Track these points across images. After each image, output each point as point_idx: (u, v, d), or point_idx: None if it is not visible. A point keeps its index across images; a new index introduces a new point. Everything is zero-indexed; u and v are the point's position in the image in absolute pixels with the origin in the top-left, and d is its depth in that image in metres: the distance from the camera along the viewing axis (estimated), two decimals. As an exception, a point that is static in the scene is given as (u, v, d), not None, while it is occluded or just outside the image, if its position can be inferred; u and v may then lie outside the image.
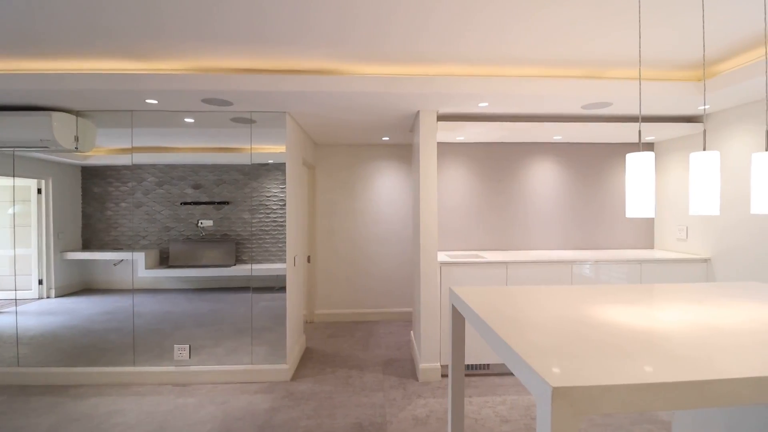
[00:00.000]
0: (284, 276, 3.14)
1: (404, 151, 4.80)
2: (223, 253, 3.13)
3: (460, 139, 3.75)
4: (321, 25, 2.04)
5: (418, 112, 3.15)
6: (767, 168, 1.58)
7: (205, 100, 2.76)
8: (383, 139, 4.39)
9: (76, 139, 2.99)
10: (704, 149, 1.54)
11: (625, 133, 3.50)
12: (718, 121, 3.21)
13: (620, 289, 1.92)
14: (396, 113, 3.22)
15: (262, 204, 3.14)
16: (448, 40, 2.22)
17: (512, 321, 1.39)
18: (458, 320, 1.92)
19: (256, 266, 3.12)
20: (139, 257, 3.09)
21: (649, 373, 0.96)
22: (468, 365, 3.20)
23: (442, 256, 3.40)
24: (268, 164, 3.12)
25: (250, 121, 3.08)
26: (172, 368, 3.05)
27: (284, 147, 3.11)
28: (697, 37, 2.18)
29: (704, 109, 1.70)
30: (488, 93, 2.69)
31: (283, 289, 3.14)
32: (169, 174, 3.11)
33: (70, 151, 2.98)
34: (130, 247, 3.09)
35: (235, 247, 3.13)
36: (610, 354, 1.08)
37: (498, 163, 3.98)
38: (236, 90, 2.55)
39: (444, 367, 3.21)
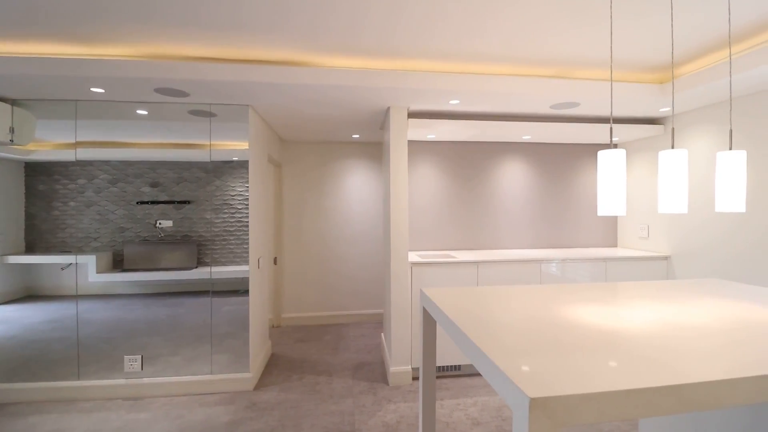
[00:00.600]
0: (249, 279, 2.98)
1: (375, 150, 4.71)
2: (183, 255, 2.93)
3: (431, 137, 3.70)
4: (298, 14, 1.93)
5: (389, 108, 3.07)
6: (731, 167, 1.60)
7: (158, 90, 2.56)
8: (353, 136, 4.29)
9: (12, 130, 2.70)
10: (672, 147, 1.53)
11: (592, 133, 3.56)
12: (677, 124, 3.32)
13: (589, 288, 1.90)
14: (367, 109, 3.13)
15: (226, 203, 2.96)
16: (422, 34, 2.15)
17: (485, 325, 1.33)
18: (429, 323, 1.85)
19: (218, 269, 2.94)
20: (90, 260, 2.84)
21: (629, 379, 0.91)
22: (439, 366, 3.15)
23: (413, 256, 3.33)
24: (232, 161, 2.95)
25: (209, 115, 2.90)
26: (122, 381, 2.81)
27: (247, 143, 2.95)
28: (660, 39, 2.22)
29: (672, 108, 1.70)
30: (460, 89, 2.64)
31: (247, 292, 2.97)
32: (123, 171, 2.88)
33: (3, 143, 2.69)
34: (80, 250, 2.83)
35: (196, 248, 2.94)
36: (585, 359, 1.02)
37: (468, 162, 3.97)
38: (193, 79, 2.37)
39: (415, 369, 3.14)
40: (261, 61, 2.49)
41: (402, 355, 3.06)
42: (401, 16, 1.96)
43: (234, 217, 2.98)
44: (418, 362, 2.85)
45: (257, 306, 3.20)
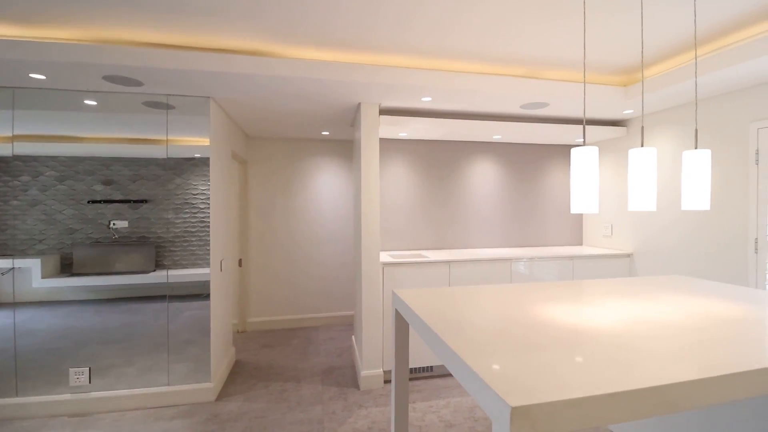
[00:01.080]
0: (210, 282, 2.80)
1: (345, 148, 4.60)
2: (140, 257, 2.72)
3: (402, 135, 3.64)
4: (274, 1, 1.82)
5: (360, 104, 2.99)
6: (696, 165, 1.62)
7: (107, 78, 2.35)
8: (323, 133, 4.17)
9: (-65, 119, 2.41)
10: (642, 145, 1.54)
11: (558, 134, 3.62)
12: (638, 126, 3.43)
13: (560, 286, 1.90)
14: (337, 104, 3.03)
15: (187, 202, 2.78)
16: (396, 28, 2.09)
17: (460, 328, 1.27)
18: (402, 326, 1.78)
19: (178, 272, 2.75)
20: (34, 264, 2.58)
21: (610, 382, 0.87)
22: (411, 368, 3.09)
23: (385, 257, 3.26)
24: (194, 158, 2.76)
25: (166, 107, 2.70)
26: (67, 396, 2.57)
27: (208, 138, 2.77)
28: (626, 42, 2.25)
29: (642, 106, 1.71)
30: (432, 86, 2.60)
31: (208, 296, 2.80)
32: (73, 168, 2.64)
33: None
34: (24, 253, 2.57)
35: (154, 250, 2.73)
36: (563, 362, 0.98)
37: (440, 161, 3.94)
38: (146, 67, 2.19)
39: (387, 372, 3.07)
40: (224, 50, 2.34)
41: (373, 358, 2.98)
42: (378, 8, 1.88)
43: (196, 217, 2.80)
44: (390, 365, 2.78)
45: (219, 310, 3.03)
